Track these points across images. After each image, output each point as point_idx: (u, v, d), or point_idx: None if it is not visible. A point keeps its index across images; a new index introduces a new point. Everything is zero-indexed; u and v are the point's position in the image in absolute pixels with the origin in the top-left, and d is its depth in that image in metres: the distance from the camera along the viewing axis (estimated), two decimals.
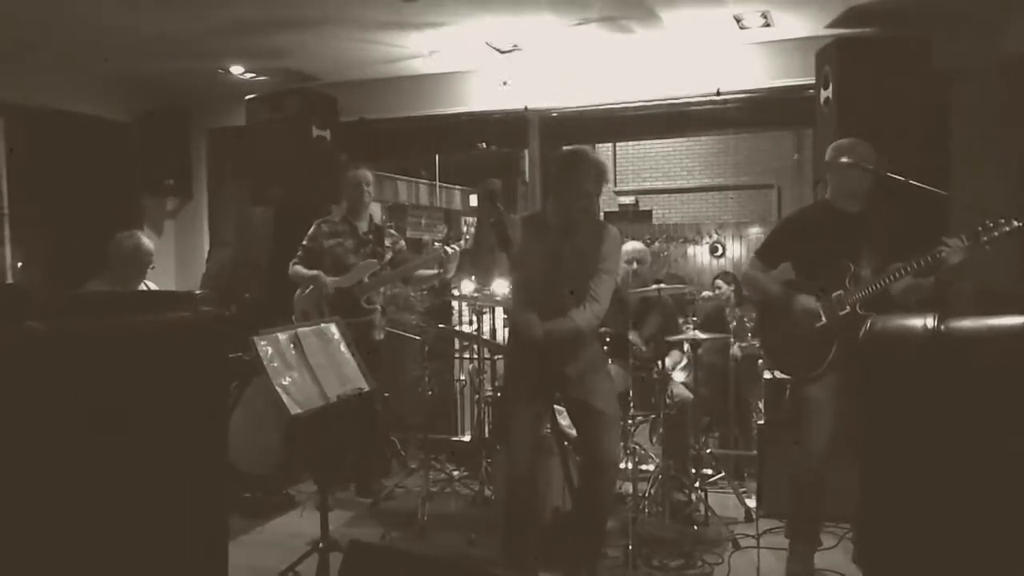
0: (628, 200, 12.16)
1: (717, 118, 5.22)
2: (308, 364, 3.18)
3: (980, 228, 2.93)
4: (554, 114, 5.41)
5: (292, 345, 3.19)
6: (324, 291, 4.55)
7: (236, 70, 5.37)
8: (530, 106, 5.38)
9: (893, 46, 4.26)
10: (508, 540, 3.33)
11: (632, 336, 4.39)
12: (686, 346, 4.61)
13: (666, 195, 12.28)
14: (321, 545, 3.30)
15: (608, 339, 4.06)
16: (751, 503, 4.25)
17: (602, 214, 9.02)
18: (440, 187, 9.82)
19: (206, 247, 6.28)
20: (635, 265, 4.50)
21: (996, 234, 2.91)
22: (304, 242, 4.70)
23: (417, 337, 5.17)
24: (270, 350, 3.08)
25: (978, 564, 1.69)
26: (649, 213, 11.89)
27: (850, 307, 3.20)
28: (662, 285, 4.12)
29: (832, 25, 4.54)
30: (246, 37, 4.72)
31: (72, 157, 5.50)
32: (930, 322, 1.73)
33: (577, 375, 3.21)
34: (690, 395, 4.50)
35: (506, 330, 4.59)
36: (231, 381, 4.35)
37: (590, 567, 3.32)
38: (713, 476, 4.58)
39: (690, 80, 5.06)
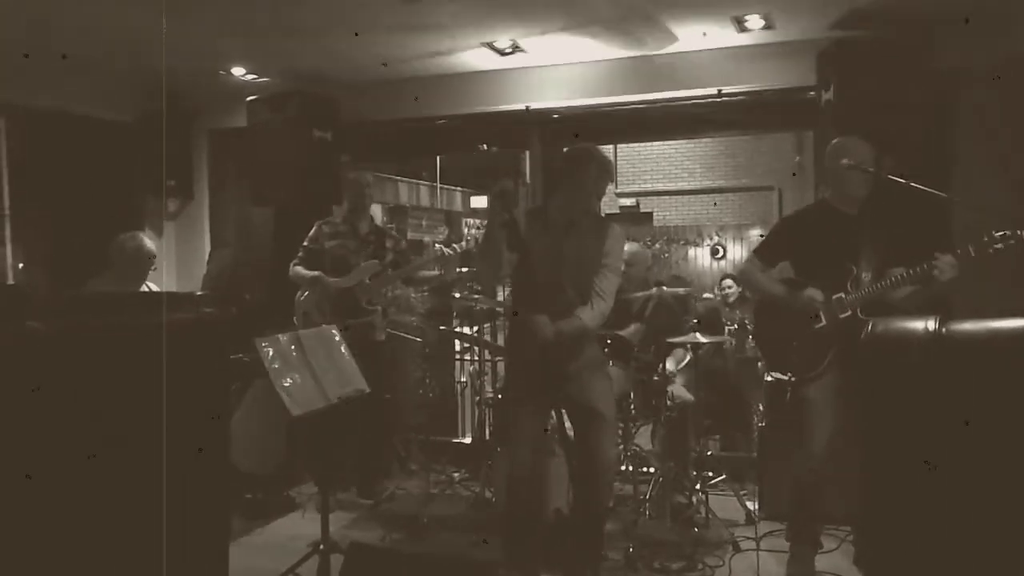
0: (629, 202, 12.13)
1: (718, 120, 5.21)
2: (309, 365, 3.19)
3: (985, 239, 2.86)
4: (555, 115, 5.41)
5: (293, 346, 3.19)
6: (325, 292, 4.55)
7: (237, 71, 5.37)
8: (530, 107, 5.38)
9: (894, 48, 4.26)
10: (509, 541, 3.33)
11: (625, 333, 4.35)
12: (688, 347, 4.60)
13: (667, 197, 12.25)
14: (322, 547, 3.30)
15: (609, 340, 4.06)
16: (752, 506, 4.25)
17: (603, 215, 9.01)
18: (441, 189, 9.82)
19: (207, 248, 6.28)
20: (623, 267, 4.48)
21: (1000, 246, 2.83)
22: (305, 243, 4.70)
23: (418, 339, 5.17)
24: (271, 351, 3.09)
25: (979, 567, 1.69)
26: (650, 215, 11.86)
27: (850, 310, 3.20)
28: (663, 287, 4.12)
29: (833, 27, 4.54)
30: (247, 38, 4.72)
31: (72, 157, 5.50)
32: (931, 325, 1.72)
33: (575, 373, 3.16)
34: (691, 397, 4.50)
35: (505, 331, 4.58)
36: (232, 382, 4.35)
37: (591, 569, 3.30)
38: (714, 479, 4.58)
39: (691, 82, 5.06)
